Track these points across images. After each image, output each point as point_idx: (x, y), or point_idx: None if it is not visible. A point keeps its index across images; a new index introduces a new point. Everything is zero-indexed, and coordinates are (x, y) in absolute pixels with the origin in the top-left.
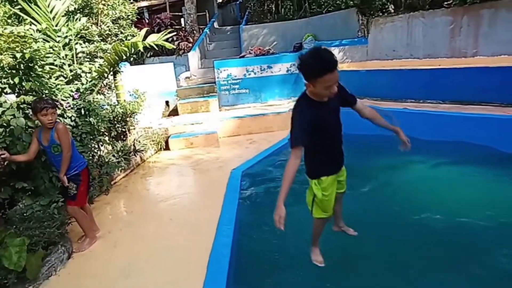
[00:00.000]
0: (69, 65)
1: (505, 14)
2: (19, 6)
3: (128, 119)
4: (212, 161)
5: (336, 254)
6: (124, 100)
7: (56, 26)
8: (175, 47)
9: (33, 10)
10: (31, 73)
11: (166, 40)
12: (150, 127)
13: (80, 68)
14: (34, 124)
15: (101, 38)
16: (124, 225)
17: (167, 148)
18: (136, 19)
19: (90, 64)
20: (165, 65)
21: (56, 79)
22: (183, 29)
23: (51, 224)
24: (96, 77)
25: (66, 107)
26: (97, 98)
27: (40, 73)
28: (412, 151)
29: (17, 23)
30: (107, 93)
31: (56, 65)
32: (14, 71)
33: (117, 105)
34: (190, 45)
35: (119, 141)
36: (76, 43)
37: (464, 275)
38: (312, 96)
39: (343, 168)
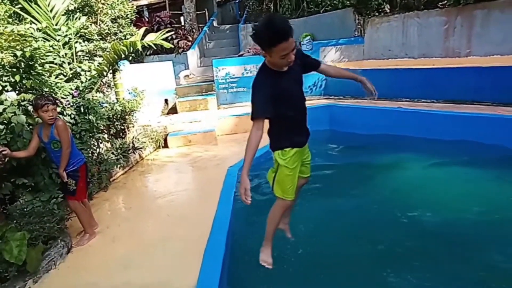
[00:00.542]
0: (69, 63)
1: (498, 14)
2: (20, 5)
3: (127, 117)
4: (210, 158)
5: (328, 250)
6: (123, 98)
7: (56, 25)
8: (173, 46)
9: (33, 9)
10: (32, 71)
11: (165, 39)
12: (149, 125)
13: (79, 67)
14: (34, 121)
15: (100, 37)
16: (123, 220)
17: (165, 146)
18: (135, 18)
19: (89, 62)
20: (164, 64)
21: (56, 77)
22: (183, 27)
23: (51, 219)
24: (96, 75)
25: (65, 105)
26: (96, 96)
27: (40, 71)
28: (404, 148)
29: (17, 22)
30: (107, 91)
31: (56, 64)
32: (15, 69)
33: (116, 103)
34: (190, 43)
35: (118, 139)
36: (76, 42)
37: (456, 273)
38: (271, 66)
39: (308, 149)
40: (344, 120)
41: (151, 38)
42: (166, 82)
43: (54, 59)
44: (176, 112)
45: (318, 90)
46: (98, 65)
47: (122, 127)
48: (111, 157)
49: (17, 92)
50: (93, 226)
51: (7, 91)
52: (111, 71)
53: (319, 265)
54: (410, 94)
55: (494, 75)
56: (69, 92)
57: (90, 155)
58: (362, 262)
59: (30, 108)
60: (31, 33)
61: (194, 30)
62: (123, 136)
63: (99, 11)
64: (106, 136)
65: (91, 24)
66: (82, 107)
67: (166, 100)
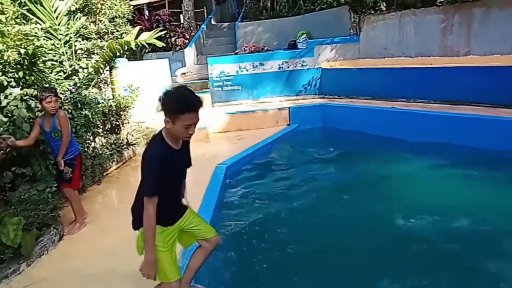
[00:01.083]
0: (69, 60)
1: (497, 13)
2: (26, 7)
3: (121, 113)
4: (200, 155)
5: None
6: (119, 95)
7: (59, 25)
8: (165, 44)
9: (39, 10)
10: (34, 68)
11: (158, 38)
12: (143, 121)
13: (78, 64)
14: (34, 115)
15: (98, 36)
16: (114, 213)
17: None
18: (132, 17)
19: (87, 60)
20: (160, 61)
21: (56, 74)
22: (181, 25)
23: (45, 207)
24: (92, 72)
25: (63, 100)
26: (92, 92)
27: (42, 68)
28: (394, 148)
29: (24, 22)
30: (103, 87)
31: (56, 61)
32: (19, 66)
33: (111, 99)
34: (187, 41)
35: (113, 134)
36: (76, 41)
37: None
38: (168, 139)
39: (192, 214)
40: (337, 118)
41: (144, 37)
42: (162, 80)
43: (54, 56)
44: None
45: (313, 89)
46: (95, 63)
47: (117, 123)
48: (106, 152)
49: (20, 87)
50: (82, 214)
51: (12, 86)
52: (107, 69)
53: (303, 268)
54: (406, 94)
55: (493, 75)
56: (67, 88)
57: (85, 149)
58: (346, 262)
59: (31, 102)
60: (36, 33)
61: (191, 28)
62: (118, 132)
63: (98, 11)
64: (101, 131)
65: (90, 24)
66: (78, 102)
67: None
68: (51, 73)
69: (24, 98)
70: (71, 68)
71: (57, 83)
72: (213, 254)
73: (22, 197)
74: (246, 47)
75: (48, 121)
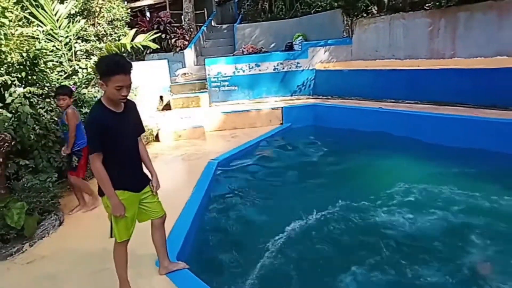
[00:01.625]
0: (69, 61)
1: (481, 17)
2: (29, 11)
3: None
4: (195, 152)
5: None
6: None
7: (59, 27)
8: (159, 46)
9: (40, 14)
10: (36, 68)
11: (158, 39)
12: (142, 119)
13: (77, 65)
14: (36, 111)
15: (97, 37)
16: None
17: (157, 139)
18: (131, 19)
19: (86, 61)
20: (160, 62)
21: (57, 74)
22: (181, 27)
23: (46, 195)
24: (91, 72)
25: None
26: (91, 91)
27: (43, 68)
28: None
29: (27, 25)
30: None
31: (56, 62)
32: (22, 67)
33: None
34: (187, 42)
35: None
36: (76, 42)
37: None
38: (106, 103)
39: (150, 193)
40: (327, 118)
41: (140, 39)
42: (161, 80)
43: (53, 58)
44: (170, 109)
45: (307, 89)
46: (93, 63)
47: None
48: None
49: (23, 86)
50: (97, 198)
51: (15, 85)
52: None
53: (280, 255)
54: (395, 95)
55: (476, 77)
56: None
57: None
58: (326, 254)
59: (34, 100)
60: (37, 35)
61: (191, 29)
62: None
63: (97, 14)
64: None
65: (89, 26)
66: (78, 100)
67: (161, 97)
68: (52, 73)
69: (27, 95)
70: (71, 69)
71: (58, 82)
72: (199, 239)
73: (25, 185)
74: (244, 48)
75: (62, 115)
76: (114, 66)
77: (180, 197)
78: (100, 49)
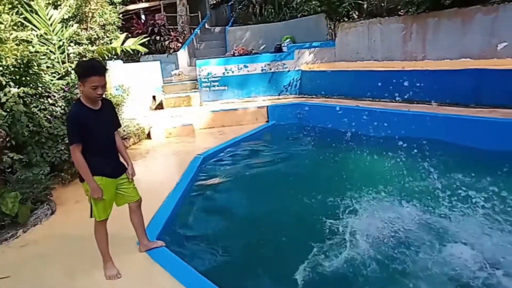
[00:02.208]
0: (63, 63)
1: (447, 22)
2: (23, 16)
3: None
4: (184, 148)
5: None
6: (110, 94)
7: (53, 31)
8: (147, 50)
9: (34, 18)
10: (30, 71)
11: (153, 41)
12: (135, 118)
13: (70, 66)
14: (30, 110)
15: (89, 41)
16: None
17: (149, 137)
18: (126, 22)
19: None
20: (152, 63)
21: (50, 75)
22: (175, 29)
23: (39, 186)
24: None
25: (57, 98)
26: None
27: (37, 71)
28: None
29: (22, 28)
30: None
31: (50, 64)
32: (16, 69)
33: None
34: (180, 44)
35: None
36: (69, 46)
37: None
38: (84, 101)
39: (127, 178)
40: (310, 116)
41: (130, 43)
42: (154, 80)
43: (46, 62)
44: (163, 108)
45: (294, 89)
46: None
47: None
48: None
49: (17, 87)
50: None
51: (10, 86)
52: None
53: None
54: (372, 94)
55: (442, 78)
56: (61, 88)
57: None
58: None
59: (27, 99)
60: (31, 39)
61: (185, 32)
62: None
63: (89, 19)
64: None
65: (81, 30)
66: (71, 100)
67: (154, 97)
68: (45, 74)
69: (21, 95)
70: (64, 70)
71: (51, 83)
72: (178, 223)
73: (19, 177)
74: (236, 50)
75: None
76: (90, 69)
77: (166, 187)
78: (93, 52)
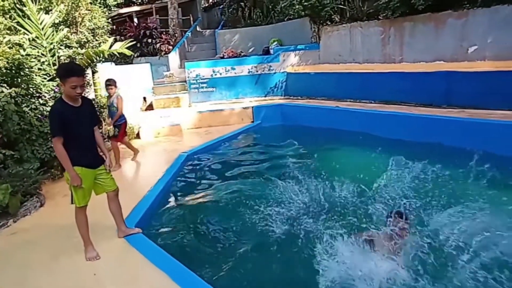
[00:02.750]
0: (54, 65)
1: (422, 27)
2: (16, 20)
3: (102, 110)
4: (170, 147)
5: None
6: (100, 95)
7: (44, 35)
8: (133, 53)
9: (27, 23)
10: (21, 73)
11: (145, 43)
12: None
13: None
14: (21, 109)
15: (79, 44)
16: None
17: (138, 137)
18: (119, 25)
19: None
20: (143, 65)
21: (41, 77)
22: (166, 32)
23: (29, 180)
24: None
25: (48, 98)
26: None
27: (28, 72)
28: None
29: (14, 33)
30: (87, 88)
31: (40, 66)
32: (8, 71)
33: (94, 99)
34: (171, 47)
35: None
36: (59, 49)
37: None
38: (65, 99)
39: (105, 170)
40: (293, 116)
41: (117, 47)
42: (144, 82)
43: (36, 64)
44: (153, 109)
45: (279, 90)
46: None
47: (99, 119)
48: None
49: (9, 87)
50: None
51: (2, 86)
52: (89, 72)
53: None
54: (353, 95)
55: (416, 80)
56: (51, 88)
57: None
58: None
59: (18, 99)
60: (23, 42)
61: (176, 34)
62: (100, 127)
63: (79, 24)
64: None
65: (71, 34)
66: None
67: (144, 98)
68: (37, 76)
69: (13, 95)
70: (54, 72)
71: (42, 84)
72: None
73: (10, 171)
74: (225, 52)
75: (109, 100)
76: (69, 71)
77: (150, 181)
78: (82, 55)
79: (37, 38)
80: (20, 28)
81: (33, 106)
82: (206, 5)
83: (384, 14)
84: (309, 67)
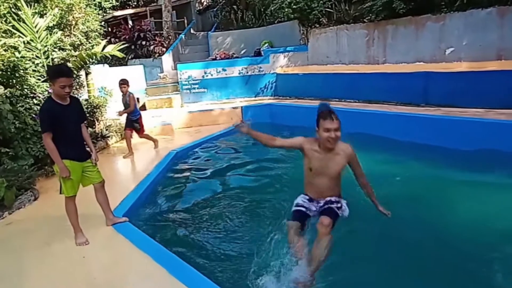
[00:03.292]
0: (48, 67)
1: (403, 30)
2: (11, 24)
3: (95, 110)
4: (161, 145)
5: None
6: (93, 96)
7: (39, 38)
8: (125, 55)
9: (22, 27)
10: (16, 74)
11: (139, 46)
12: (118, 118)
13: None
14: (16, 109)
15: (72, 47)
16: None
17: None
18: (105, 31)
19: None
20: (136, 67)
21: (36, 78)
22: (160, 34)
23: (23, 176)
24: None
25: (42, 99)
26: None
27: (23, 74)
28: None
29: (9, 36)
30: (81, 89)
31: (35, 68)
32: (3, 73)
33: (87, 99)
34: (165, 49)
35: (89, 128)
36: (53, 51)
37: None
38: (55, 97)
39: (91, 163)
40: (281, 115)
41: (109, 49)
42: (137, 83)
43: (30, 66)
44: (145, 109)
45: (269, 91)
46: None
47: (91, 119)
48: None
49: (4, 88)
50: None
51: None
52: (84, 74)
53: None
54: (339, 94)
55: (398, 80)
56: (45, 89)
57: None
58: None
59: (13, 99)
60: (18, 45)
61: (170, 37)
62: (94, 127)
63: (72, 27)
64: None
65: (65, 37)
66: None
67: (137, 99)
68: (31, 77)
69: (8, 96)
70: None
71: (36, 85)
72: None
73: (6, 167)
74: (217, 54)
75: (125, 97)
76: (58, 72)
77: (139, 176)
78: (75, 57)
79: (32, 41)
80: (15, 31)
81: (27, 106)
82: (201, 7)
83: (368, 18)
84: (298, 68)
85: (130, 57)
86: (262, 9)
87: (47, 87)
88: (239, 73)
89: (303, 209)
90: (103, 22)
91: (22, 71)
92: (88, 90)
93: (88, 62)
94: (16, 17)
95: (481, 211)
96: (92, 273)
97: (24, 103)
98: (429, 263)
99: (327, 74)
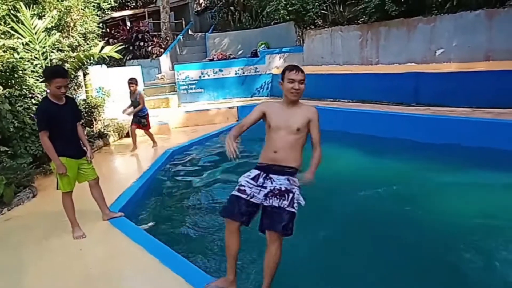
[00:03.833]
0: (44, 68)
1: (395, 31)
2: (10, 25)
3: (93, 110)
4: (158, 144)
5: None
6: (91, 96)
7: (37, 39)
8: (122, 56)
9: (21, 28)
10: (15, 74)
11: (137, 47)
12: (115, 118)
13: None
14: (15, 109)
15: (70, 48)
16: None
17: (128, 135)
18: (105, 31)
19: None
20: (134, 68)
21: (34, 78)
22: (157, 35)
23: (22, 173)
24: None
25: (40, 99)
26: None
27: (22, 74)
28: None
29: (8, 37)
30: (79, 90)
31: (33, 69)
32: (2, 73)
33: (85, 99)
34: (163, 50)
35: (87, 128)
36: (51, 52)
37: None
38: (51, 97)
39: (86, 162)
40: None
41: (106, 50)
42: None
43: (29, 67)
44: None
45: (266, 91)
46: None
47: (89, 119)
48: None
49: (3, 88)
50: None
51: None
52: (82, 74)
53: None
54: (333, 95)
55: (390, 80)
56: (43, 89)
57: None
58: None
59: (12, 100)
60: (17, 46)
61: (168, 38)
62: (91, 126)
63: (70, 28)
64: None
65: (63, 38)
66: None
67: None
68: (30, 78)
69: (7, 96)
70: None
71: (35, 86)
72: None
73: (5, 165)
74: (215, 55)
75: (133, 95)
76: (54, 73)
77: (136, 173)
78: (74, 57)
79: (31, 42)
80: (14, 32)
81: (26, 106)
82: (199, 9)
83: (362, 19)
84: None
85: (128, 58)
86: (259, 11)
87: (45, 87)
88: (236, 74)
89: (244, 196)
90: (101, 23)
91: (21, 71)
92: (86, 91)
93: (86, 63)
94: (15, 19)
95: (467, 208)
96: (89, 265)
97: (23, 103)
98: (425, 262)
99: (322, 74)
